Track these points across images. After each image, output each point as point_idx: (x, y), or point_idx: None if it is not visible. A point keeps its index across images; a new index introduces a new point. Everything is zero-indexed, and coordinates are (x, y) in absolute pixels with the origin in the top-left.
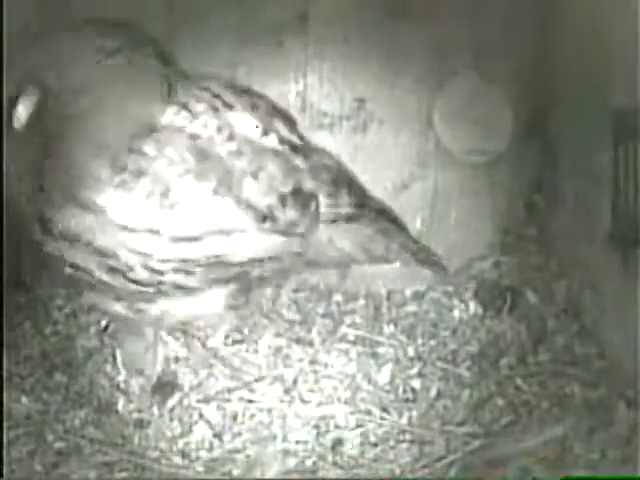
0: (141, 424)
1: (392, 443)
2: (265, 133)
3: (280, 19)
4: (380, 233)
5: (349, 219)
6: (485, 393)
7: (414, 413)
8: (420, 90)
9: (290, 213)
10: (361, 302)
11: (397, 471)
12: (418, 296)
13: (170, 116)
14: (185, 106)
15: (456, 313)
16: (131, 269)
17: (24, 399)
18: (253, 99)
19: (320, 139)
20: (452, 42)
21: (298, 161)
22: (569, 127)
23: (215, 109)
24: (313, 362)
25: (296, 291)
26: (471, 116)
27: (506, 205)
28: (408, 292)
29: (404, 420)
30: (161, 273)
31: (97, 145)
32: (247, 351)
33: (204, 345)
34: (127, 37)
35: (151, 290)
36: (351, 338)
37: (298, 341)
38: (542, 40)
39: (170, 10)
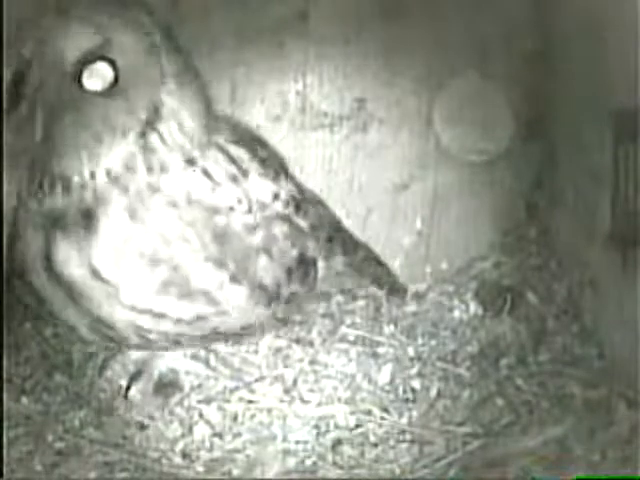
0: (141, 425)
1: (392, 443)
2: (275, 197)
3: (280, 19)
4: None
5: (339, 275)
6: (485, 393)
7: (414, 413)
8: (420, 90)
9: (293, 286)
10: (361, 302)
11: (397, 471)
12: (418, 296)
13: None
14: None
15: (456, 313)
16: (125, 339)
17: (24, 399)
18: (261, 152)
19: (320, 139)
20: (452, 42)
21: (301, 222)
22: (569, 127)
23: (233, 177)
24: (313, 362)
25: None
26: (471, 116)
27: (506, 205)
28: (408, 292)
29: (404, 420)
30: (155, 342)
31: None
32: (247, 351)
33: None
34: None
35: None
36: (351, 338)
37: (298, 341)
38: (542, 40)
39: (170, 10)
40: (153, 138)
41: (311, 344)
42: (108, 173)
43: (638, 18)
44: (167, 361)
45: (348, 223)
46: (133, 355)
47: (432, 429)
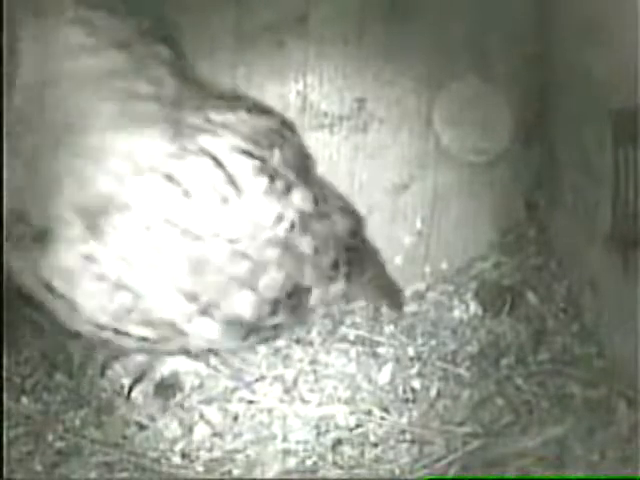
0: (141, 425)
1: (392, 443)
2: (279, 219)
3: (280, 19)
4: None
5: (335, 299)
6: (485, 393)
7: (414, 413)
8: (420, 90)
9: (279, 318)
10: (361, 302)
11: (397, 471)
12: (418, 296)
13: None
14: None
15: (456, 313)
16: (92, 346)
17: (24, 399)
18: (276, 154)
19: (320, 139)
20: (452, 42)
21: (305, 246)
22: (569, 127)
23: (224, 198)
24: (313, 362)
25: None
26: (471, 116)
27: (506, 205)
28: (408, 292)
29: (404, 420)
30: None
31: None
32: (247, 351)
33: None
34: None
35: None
36: (351, 338)
37: (298, 341)
38: (542, 41)
39: (170, 10)
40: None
41: (311, 344)
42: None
43: (638, 18)
44: (167, 362)
45: None
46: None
47: (432, 429)
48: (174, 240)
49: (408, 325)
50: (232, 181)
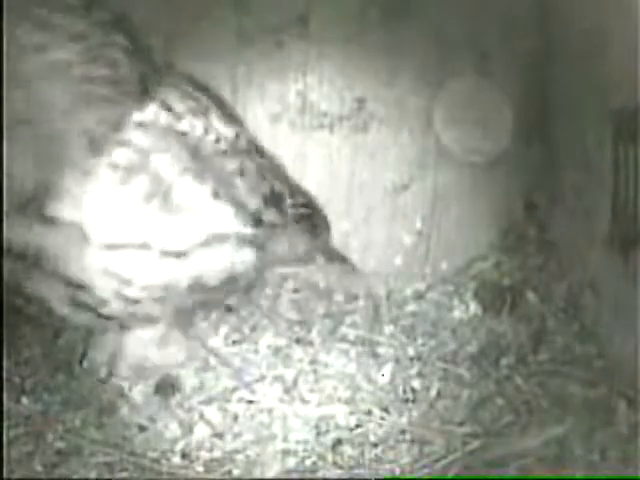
0: (141, 426)
1: (392, 443)
2: (237, 136)
3: (280, 19)
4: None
5: (300, 219)
6: (485, 393)
7: (414, 413)
8: (420, 90)
9: (271, 216)
10: (361, 302)
11: (397, 471)
12: (418, 296)
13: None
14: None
15: (456, 313)
16: (104, 302)
17: (24, 399)
18: (216, 98)
19: (320, 139)
20: (452, 42)
21: (264, 162)
22: (569, 127)
23: (196, 111)
24: (313, 362)
25: (296, 291)
26: (471, 116)
27: (506, 205)
28: (408, 292)
29: (404, 420)
30: (136, 302)
31: (72, 133)
32: (247, 351)
33: (204, 345)
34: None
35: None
36: (351, 338)
37: (298, 341)
38: (542, 40)
39: (170, 9)
40: None
41: (311, 344)
42: None
43: (638, 18)
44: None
45: (348, 223)
46: (133, 358)
47: (432, 429)
48: (169, 135)
49: (408, 325)
50: (199, 101)
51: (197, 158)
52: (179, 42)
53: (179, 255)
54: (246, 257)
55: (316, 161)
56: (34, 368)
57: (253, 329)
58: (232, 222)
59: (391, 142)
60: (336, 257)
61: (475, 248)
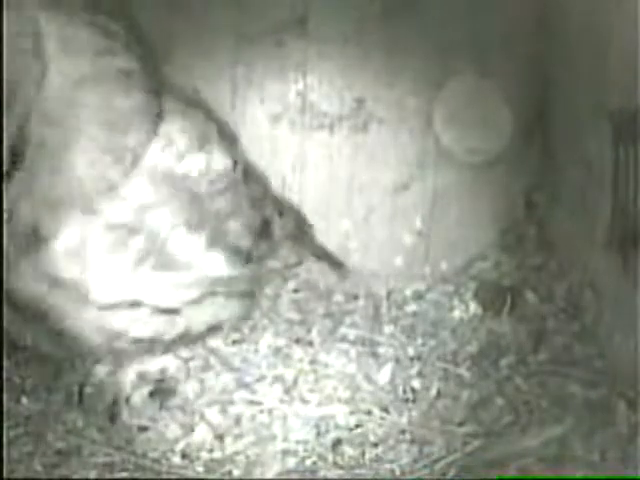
0: (141, 426)
1: (392, 443)
2: (234, 165)
3: (280, 19)
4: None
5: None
6: (485, 393)
7: (414, 413)
8: (420, 90)
9: (262, 248)
10: (361, 302)
11: (397, 471)
12: (418, 296)
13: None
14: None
15: (456, 313)
16: (93, 349)
17: (24, 399)
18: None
19: (320, 139)
20: (452, 42)
21: (258, 189)
22: (569, 127)
23: (197, 145)
24: (313, 362)
25: (296, 291)
26: (471, 116)
27: (506, 205)
28: (408, 292)
29: (404, 420)
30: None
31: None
32: (247, 351)
33: (204, 345)
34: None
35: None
36: (351, 338)
37: (298, 341)
38: (542, 40)
39: (170, 9)
40: None
41: (311, 344)
42: None
43: (638, 19)
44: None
45: (348, 223)
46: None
47: (432, 429)
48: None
49: (408, 325)
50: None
51: (194, 204)
52: (179, 42)
53: (171, 312)
54: (234, 309)
55: (316, 161)
56: (34, 368)
57: (253, 329)
58: (224, 270)
59: (391, 142)
60: (324, 256)
61: (475, 248)
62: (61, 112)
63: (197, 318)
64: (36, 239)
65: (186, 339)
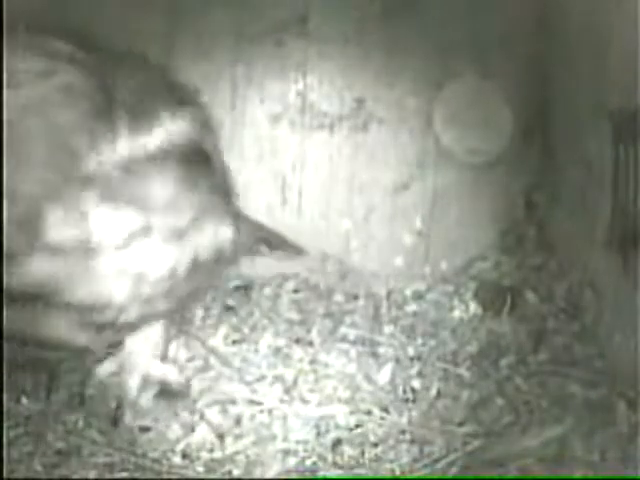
0: (142, 427)
1: (392, 443)
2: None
3: (280, 18)
4: None
5: None
6: (485, 393)
7: (414, 413)
8: (420, 90)
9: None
10: (361, 302)
11: (397, 471)
12: (418, 296)
13: None
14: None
15: (456, 313)
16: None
17: (24, 399)
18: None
19: (320, 139)
20: (452, 42)
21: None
22: (569, 127)
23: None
24: (313, 362)
25: (296, 291)
26: (471, 116)
27: (506, 205)
28: (408, 292)
29: (404, 420)
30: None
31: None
32: (247, 351)
33: (204, 345)
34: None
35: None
36: (351, 338)
37: (298, 341)
38: (542, 40)
39: (170, 9)
40: None
41: (311, 344)
42: None
43: (638, 19)
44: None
45: (348, 223)
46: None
47: (432, 429)
48: None
49: (408, 325)
50: None
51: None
52: (179, 42)
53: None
54: (225, 233)
55: (316, 161)
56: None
57: (253, 329)
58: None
59: (391, 142)
60: (278, 244)
61: (475, 248)
62: (8, 140)
63: (201, 243)
64: None
65: (195, 271)
